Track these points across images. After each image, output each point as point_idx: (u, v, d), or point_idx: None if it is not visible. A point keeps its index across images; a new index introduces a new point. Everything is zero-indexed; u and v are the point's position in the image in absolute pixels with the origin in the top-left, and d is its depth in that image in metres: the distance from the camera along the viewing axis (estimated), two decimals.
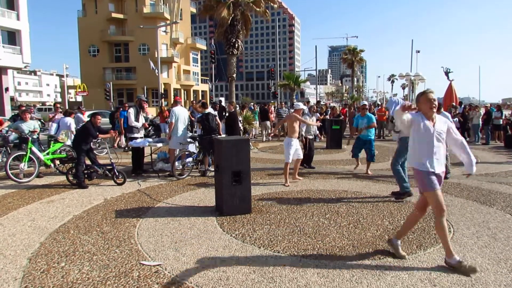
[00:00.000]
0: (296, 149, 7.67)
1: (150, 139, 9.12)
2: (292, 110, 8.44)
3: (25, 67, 27.96)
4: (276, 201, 6.33)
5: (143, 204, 6.20)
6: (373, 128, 8.65)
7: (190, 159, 8.87)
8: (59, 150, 8.90)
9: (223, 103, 15.52)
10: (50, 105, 39.51)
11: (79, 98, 42.47)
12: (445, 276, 3.50)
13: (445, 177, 8.08)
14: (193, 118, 12.57)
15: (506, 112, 18.10)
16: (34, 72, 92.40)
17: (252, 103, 32.72)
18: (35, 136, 8.59)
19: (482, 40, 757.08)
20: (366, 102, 9.43)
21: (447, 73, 20.72)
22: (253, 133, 18.10)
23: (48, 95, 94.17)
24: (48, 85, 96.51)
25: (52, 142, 9.34)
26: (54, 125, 11.00)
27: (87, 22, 47.85)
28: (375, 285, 3.36)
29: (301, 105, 8.24)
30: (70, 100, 50.86)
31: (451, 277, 3.48)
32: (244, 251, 4.16)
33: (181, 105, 9.36)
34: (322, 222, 5.15)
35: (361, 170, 8.76)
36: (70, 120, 10.21)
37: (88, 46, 48.85)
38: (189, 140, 8.96)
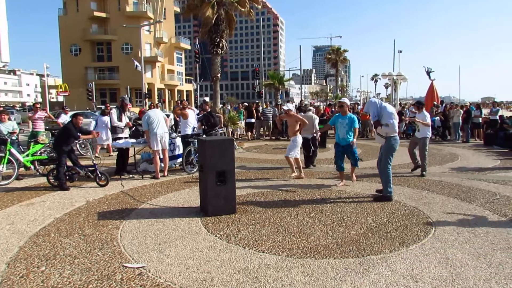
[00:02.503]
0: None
1: (134, 140, 9.01)
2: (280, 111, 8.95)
3: (3, 66, 27.28)
4: (261, 200, 6.33)
5: (127, 205, 6.11)
6: (352, 131, 7.39)
7: (179, 159, 8.97)
8: (39, 152, 8.70)
9: None
10: (30, 106, 38.55)
11: (61, 98, 41.57)
12: (426, 272, 3.57)
13: (422, 175, 8.28)
14: (177, 119, 12.51)
15: (485, 111, 18.56)
16: (14, 72, 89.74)
17: (237, 103, 32.69)
18: (14, 137, 8.37)
19: (461, 40, 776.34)
20: (346, 100, 7.83)
21: (428, 73, 21.13)
22: (238, 133, 18.09)
23: (28, 95, 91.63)
24: (28, 85, 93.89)
25: (32, 143, 9.13)
26: (93, 123, 12.12)
27: (68, 21, 46.86)
28: (358, 282, 3.40)
29: (289, 106, 9.06)
30: (52, 100, 49.72)
31: (433, 273, 3.55)
32: (229, 251, 4.14)
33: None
34: (306, 221, 5.18)
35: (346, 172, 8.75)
36: (107, 119, 11.18)
37: (70, 45, 47.85)
38: (174, 137, 8.97)
